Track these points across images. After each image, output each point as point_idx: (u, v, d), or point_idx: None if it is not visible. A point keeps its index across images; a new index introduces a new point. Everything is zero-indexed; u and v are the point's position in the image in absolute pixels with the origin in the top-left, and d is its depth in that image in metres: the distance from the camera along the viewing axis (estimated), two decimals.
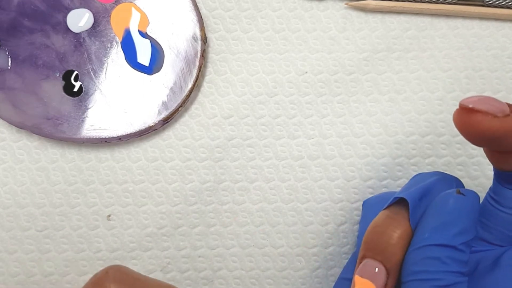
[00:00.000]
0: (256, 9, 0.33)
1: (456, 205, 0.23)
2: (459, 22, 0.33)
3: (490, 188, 0.25)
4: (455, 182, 0.26)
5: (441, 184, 0.25)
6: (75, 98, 0.32)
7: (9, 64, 0.31)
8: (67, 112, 0.32)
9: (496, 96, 0.33)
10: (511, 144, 0.22)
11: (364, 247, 0.24)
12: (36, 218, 0.33)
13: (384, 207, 0.25)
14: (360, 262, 0.24)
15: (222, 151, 0.33)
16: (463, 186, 0.27)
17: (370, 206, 0.29)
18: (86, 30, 0.32)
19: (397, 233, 0.23)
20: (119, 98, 0.32)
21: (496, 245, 0.24)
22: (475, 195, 0.24)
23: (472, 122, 0.22)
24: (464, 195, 0.23)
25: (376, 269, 0.23)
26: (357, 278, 0.23)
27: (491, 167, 0.33)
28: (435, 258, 0.22)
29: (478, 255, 0.25)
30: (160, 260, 0.33)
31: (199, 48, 0.32)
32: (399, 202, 0.24)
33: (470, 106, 0.21)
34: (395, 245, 0.23)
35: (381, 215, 0.24)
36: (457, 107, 0.33)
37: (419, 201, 0.24)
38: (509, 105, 0.22)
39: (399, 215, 0.24)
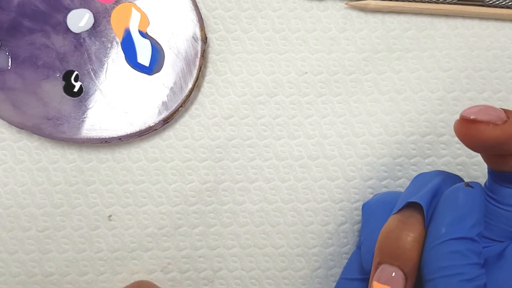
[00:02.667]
0: (256, 9, 0.33)
1: (467, 198, 0.23)
2: (459, 22, 0.33)
3: (485, 186, 0.25)
4: (458, 180, 0.26)
5: (447, 184, 0.26)
6: (75, 98, 0.32)
7: (9, 64, 0.31)
8: (67, 112, 0.32)
9: (496, 96, 0.33)
10: (509, 148, 0.23)
11: (380, 253, 0.24)
12: (37, 218, 0.33)
13: (395, 211, 0.25)
14: (376, 268, 0.24)
15: (222, 151, 0.33)
16: None
17: (371, 210, 0.29)
18: (86, 30, 0.32)
19: (411, 237, 0.23)
20: (119, 98, 0.32)
21: (497, 241, 0.25)
22: (480, 186, 0.24)
23: (475, 132, 0.22)
24: (472, 187, 0.24)
25: (394, 274, 0.23)
26: (375, 284, 0.23)
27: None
28: (457, 251, 0.22)
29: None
30: (161, 261, 0.33)
31: (199, 48, 0.32)
32: (409, 205, 0.25)
33: (472, 117, 0.22)
34: (411, 249, 0.23)
35: (393, 219, 0.24)
36: (457, 106, 0.34)
37: (431, 203, 0.24)
38: (504, 110, 0.23)
39: (412, 218, 0.24)
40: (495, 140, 0.22)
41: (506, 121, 0.22)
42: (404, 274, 0.23)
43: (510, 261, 0.23)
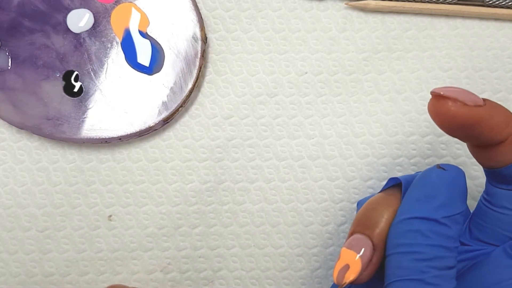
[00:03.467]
0: (256, 9, 0.33)
1: (437, 179, 0.23)
2: (459, 22, 0.33)
3: (484, 191, 0.25)
4: None
5: None
6: (75, 98, 0.32)
7: (9, 64, 0.31)
8: (67, 112, 0.32)
9: (496, 96, 0.33)
10: (484, 136, 0.23)
11: (355, 223, 0.24)
12: (37, 218, 0.33)
13: (380, 190, 0.25)
14: (349, 237, 0.24)
15: (222, 152, 0.33)
16: None
17: None
18: (86, 31, 0.32)
19: (388, 211, 0.23)
20: (119, 98, 0.32)
21: (492, 245, 0.25)
22: (458, 170, 0.24)
23: (442, 108, 0.22)
24: (444, 169, 0.23)
25: (363, 243, 0.23)
26: (343, 250, 0.23)
27: None
28: (416, 231, 0.22)
29: (473, 254, 0.25)
30: (161, 261, 0.33)
31: (199, 48, 0.32)
32: (395, 185, 0.25)
33: (441, 93, 0.22)
34: (385, 222, 0.23)
35: (376, 195, 0.25)
36: None
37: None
38: (485, 100, 0.22)
39: (393, 196, 0.24)
40: (461, 118, 0.22)
41: (480, 106, 0.22)
42: (373, 244, 0.23)
43: (492, 261, 0.23)
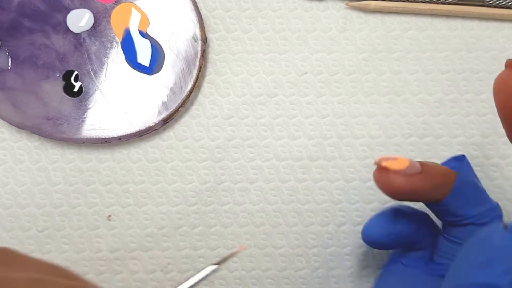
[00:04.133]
0: (256, 9, 0.33)
1: (502, 242, 0.21)
2: (459, 23, 0.33)
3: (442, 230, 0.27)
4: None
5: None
6: (75, 98, 0.32)
7: (9, 64, 0.31)
8: (67, 112, 0.32)
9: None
10: (427, 197, 0.25)
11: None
12: (36, 218, 0.33)
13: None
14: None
15: (222, 152, 0.33)
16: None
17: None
18: (86, 30, 0.32)
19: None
20: (119, 98, 0.32)
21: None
22: None
23: (385, 180, 0.24)
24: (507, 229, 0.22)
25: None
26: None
27: (490, 168, 0.33)
28: None
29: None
30: (161, 260, 0.33)
31: (199, 48, 0.32)
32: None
33: (383, 164, 0.24)
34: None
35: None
36: (455, 108, 0.34)
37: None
38: (421, 164, 0.24)
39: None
40: (402, 189, 0.24)
41: (420, 172, 0.24)
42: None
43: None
